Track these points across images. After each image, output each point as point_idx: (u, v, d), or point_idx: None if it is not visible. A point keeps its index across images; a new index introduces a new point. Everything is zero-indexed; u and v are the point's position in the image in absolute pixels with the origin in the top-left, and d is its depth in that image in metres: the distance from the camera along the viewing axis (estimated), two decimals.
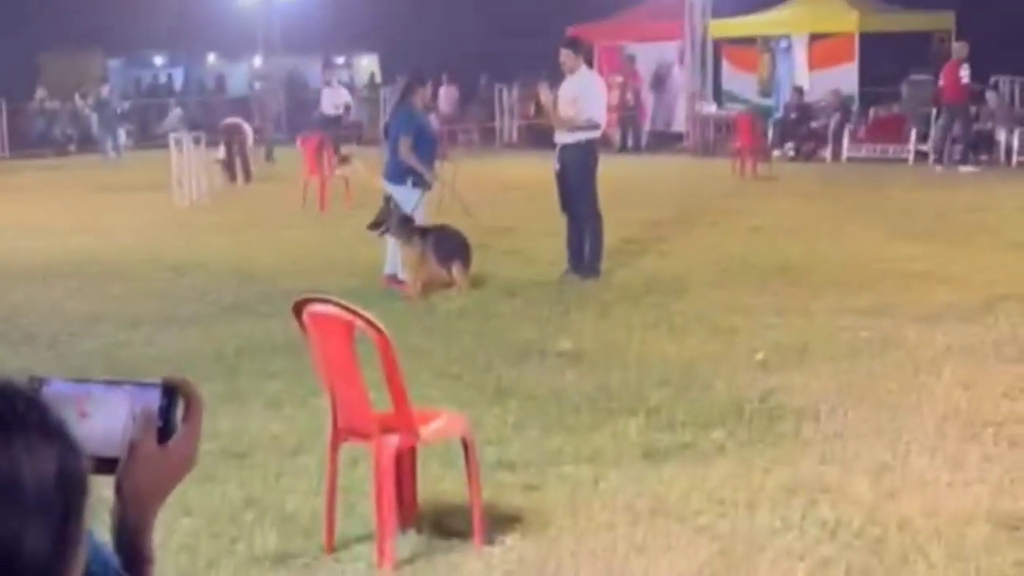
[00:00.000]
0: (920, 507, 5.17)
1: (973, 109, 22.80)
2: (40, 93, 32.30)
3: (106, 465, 1.30)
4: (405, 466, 4.99)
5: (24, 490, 0.91)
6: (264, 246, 13.65)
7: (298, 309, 4.81)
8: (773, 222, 14.68)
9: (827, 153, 24.68)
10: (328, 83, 30.76)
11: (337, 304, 4.76)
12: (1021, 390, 6.99)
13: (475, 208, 10.68)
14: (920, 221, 14.61)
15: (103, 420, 1.32)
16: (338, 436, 4.91)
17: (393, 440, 4.72)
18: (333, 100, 28.68)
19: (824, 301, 9.79)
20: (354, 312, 4.66)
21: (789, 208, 16.11)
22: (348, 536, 4.94)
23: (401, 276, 10.67)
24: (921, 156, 23.56)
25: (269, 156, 23.99)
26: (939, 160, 21.74)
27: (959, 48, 21.65)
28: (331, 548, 4.83)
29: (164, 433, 1.35)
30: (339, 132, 25.15)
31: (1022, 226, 13.96)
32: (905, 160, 23.56)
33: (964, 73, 21.33)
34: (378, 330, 4.61)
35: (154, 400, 1.35)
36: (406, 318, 9.09)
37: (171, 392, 1.36)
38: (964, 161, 21.57)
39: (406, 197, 10.64)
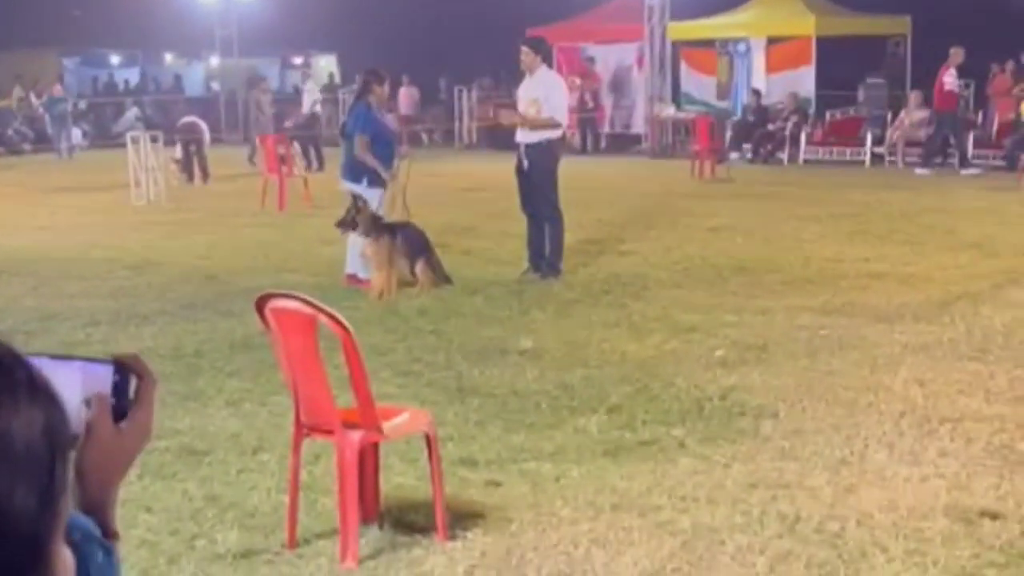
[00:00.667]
0: (878, 502, 5.23)
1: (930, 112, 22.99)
2: None
3: None
4: (368, 462, 4.98)
5: (14, 447, 0.92)
6: (223, 245, 13.58)
7: (260, 304, 4.79)
8: (731, 223, 14.77)
9: (784, 155, 24.85)
10: (303, 83, 30.64)
11: (300, 299, 4.75)
12: (977, 387, 7.08)
13: (434, 209, 10.67)
14: (877, 222, 14.74)
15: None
16: (300, 432, 4.90)
17: (356, 436, 4.71)
18: (311, 99, 28.57)
19: (783, 300, 9.87)
20: (317, 307, 4.66)
21: (747, 209, 16.21)
22: (310, 532, 4.94)
23: (362, 275, 10.66)
24: (877, 159, 23.78)
25: (252, 158, 23.54)
26: (925, 164, 21.58)
27: (953, 54, 21.35)
28: (293, 544, 4.81)
29: (118, 411, 1.35)
30: (316, 132, 25.11)
31: (977, 227, 14.13)
32: (862, 163, 23.76)
33: (948, 79, 21.25)
34: (341, 325, 4.60)
35: (105, 377, 1.35)
36: (367, 317, 9.08)
37: (122, 369, 1.36)
38: (962, 165, 21.53)
39: (363, 196, 10.62)
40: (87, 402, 1.33)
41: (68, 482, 0.90)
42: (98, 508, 1.34)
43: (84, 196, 19.16)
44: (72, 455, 0.97)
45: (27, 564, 0.88)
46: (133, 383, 1.37)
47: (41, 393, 0.92)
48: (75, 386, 1.33)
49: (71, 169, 25.22)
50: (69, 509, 0.90)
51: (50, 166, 26.25)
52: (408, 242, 10.40)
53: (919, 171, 21.24)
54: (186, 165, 21.45)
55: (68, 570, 0.94)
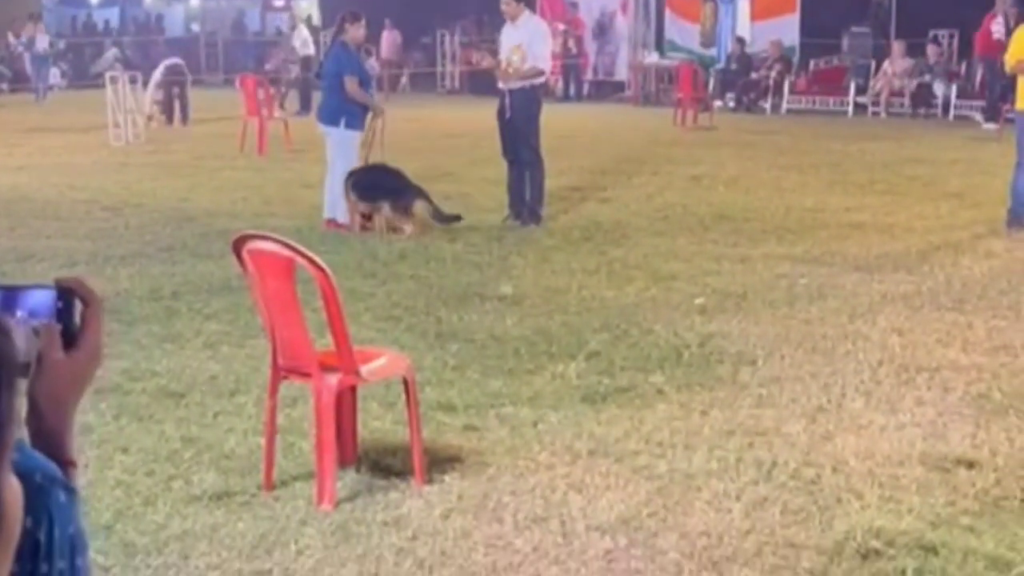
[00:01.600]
0: (854, 449, 5.24)
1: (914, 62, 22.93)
2: None
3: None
4: (345, 405, 4.96)
5: None
6: (202, 187, 13.49)
7: (237, 246, 4.75)
8: (713, 171, 14.75)
9: (767, 104, 24.81)
10: (295, 27, 30.28)
11: (277, 241, 4.71)
12: (955, 337, 7.10)
13: (415, 154, 10.64)
14: (858, 172, 14.74)
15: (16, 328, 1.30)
16: (277, 375, 4.87)
17: (333, 379, 4.69)
18: (302, 42, 28.24)
19: (763, 249, 9.87)
20: (294, 249, 4.62)
21: (729, 158, 16.18)
22: (287, 475, 4.92)
23: (341, 219, 10.61)
24: (860, 108, 23.74)
25: (282, 104, 22.95)
26: (990, 119, 20.43)
27: (999, 1, 20.71)
28: (270, 487, 4.80)
29: (67, 337, 1.33)
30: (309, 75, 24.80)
31: (958, 178, 14.15)
32: (845, 112, 23.73)
33: (996, 27, 20.52)
34: (318, 267, 4.57)
35: (49, 303, 1.33)
36: (346, 261, 9.04)
37: (66, 294, 1.34)
38: (988, 118, 20.67)
39: (340, 139, 10.56)
40: (35, 331, 1.30)
41: (14, 412, 0.87)
42: (55, 437, 1.32)
43: (62, 137, 18.99)
44: (21, 386, 0.94)
45: None
46: (78, 307, 1.34)
47: None
48: (20, 315, 1.31)
49: (49, 110, 24.98)
50: (15, 438, 0.88)
51: (28, 106, 26.01)
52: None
53: (986, 126, 20.25)
54: (167, 107, 21.26)
55: (16, 500, 0.92)
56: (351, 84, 10.50)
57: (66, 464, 1.33)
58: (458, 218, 10.75)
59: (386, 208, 10.45)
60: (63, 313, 1.33)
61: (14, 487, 0.91)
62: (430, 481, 4.86)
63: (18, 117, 23.04)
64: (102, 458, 5.08)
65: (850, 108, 23.89)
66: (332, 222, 10.66)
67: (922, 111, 23.13)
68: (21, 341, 1.29)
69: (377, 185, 10.52)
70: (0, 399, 0.87)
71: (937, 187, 13.41)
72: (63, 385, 1.32)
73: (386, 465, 5.04)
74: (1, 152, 16.94)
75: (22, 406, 1.23)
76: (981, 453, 5.21)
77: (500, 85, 11.10)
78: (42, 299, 1.33)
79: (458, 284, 8.54)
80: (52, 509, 1.18)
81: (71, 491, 1.23)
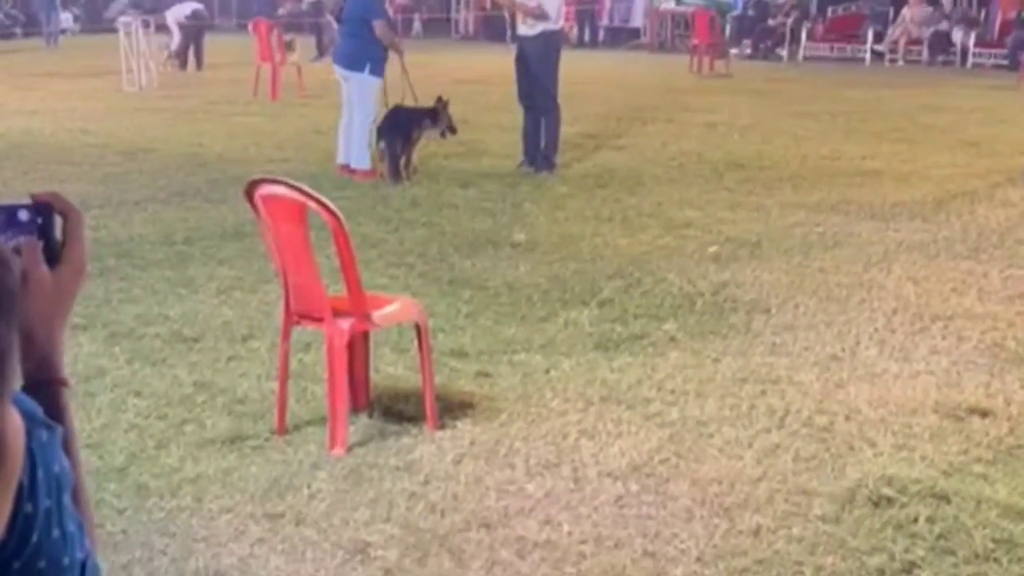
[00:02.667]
0: (868, 397, 5.23)
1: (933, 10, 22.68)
2: None
3: None
4: (358, 351, 4.96)
5: None
6: (215, 133, 13.45)
7: (250, 191, 4.73)
8: (729, 119, 14.65)
9: (784, 51, 24.60)
10: None
11: (290, 185, 4.69)
12: (970, 285, 7.07)
13: (428, 101, 10.56)
14: (875, 120, 14.63)
15: None
16: (290, 320, 4.87)
17: (346, 324, 4.69)
18: None
19: (778, 197, 9.81)
20: (307, 194, 4.60)
21: (745, 105, 16.07)
22: (300, 420, 4.93)
23: (354, 165, 10.56)
24: (877, 56, 23.54)
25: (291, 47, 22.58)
26: None
27: None
28: (282, 431, 4.81)
29: (48, 253, 1.31)
30: (322, 20, 24.62)
31: (975, 126, 14.04)
32: (862, 60, 23.52)
33: None
34: (331, 212, 4.55)
35: (29, 220, 1.31)
36: (358, 207, 9.02)
37: (44, 209, 1.32)
38: None
39: (361, 85, 10.47)
40: (16, 250, 1.28)
41: (13, 344, 0.85)
42: (45, 356, 1.31)
43: (75, 82, 18.93)
44: (12, 313, 0.92)
45: None
46: (58, 222, 1.32)
47: None
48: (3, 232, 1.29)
49: (62, 55, 24.90)
50: (16, 372, 0.86)
51: (41, 51, 25.92)
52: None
53: None
54: (181, 52, 21.18)
55: (17, 434, 0.90)
56: (381, 28, 10.38)
57: (57, 383, 1.31)
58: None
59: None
60: (43, 229, 1.31)
61: (15, 421, 0.89)
62: (442, 427, 4.86)
63: (32, 61, 22.97)
64: (115, 402, 5.09)
65: (867, 56, 23.68)
66: (346, 168, 10.61)
67: (940, 59, 22.93)
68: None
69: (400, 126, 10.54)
70: (0, 330, 0.85)
71: (954, 135, 13.31)
72: (50, 302, 1.30)
73: (398, 411, 5.05)
74: (14, 96, 16.90)
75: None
76: (995, 402, 5.19)
77: (518, 31, 11.01)
78: (19, 217, 1.31)
79: (471, 231, 8.52)
80: (34, 449, 1.16)
81: (52, 429, 1.21)
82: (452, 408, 5.06)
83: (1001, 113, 15.21)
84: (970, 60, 22.53)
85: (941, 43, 22.96)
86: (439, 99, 10.65)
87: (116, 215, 8.93)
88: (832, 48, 24.54)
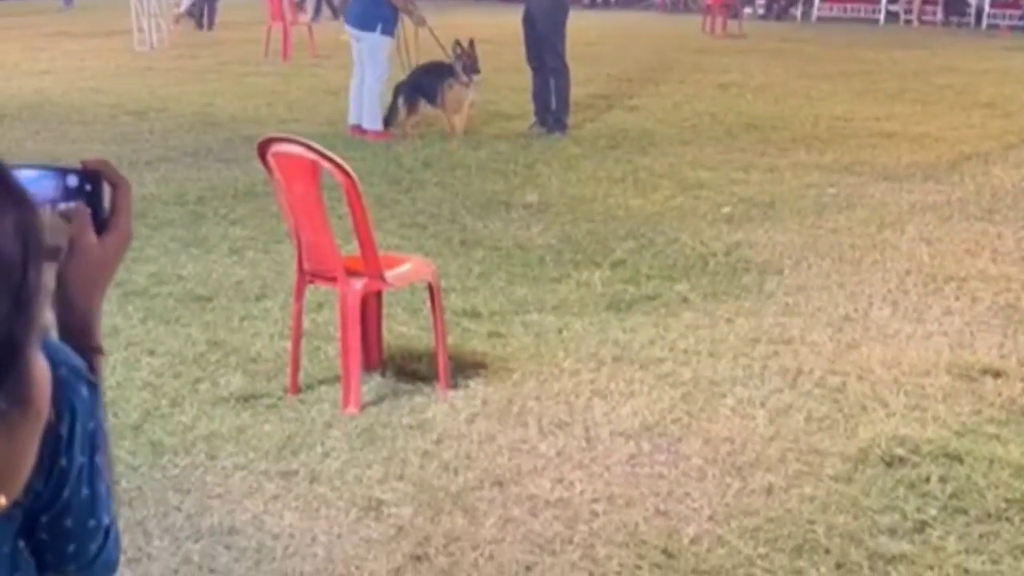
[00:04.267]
0: (880, 358, 5.23)
1: None
2: None
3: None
4: (371, 310, 4.97)
5: None
6: (226, 93, 13.42)
7: (263, 149, 4.72)
8: (742, 80, 14.57)
9: (798, 11, 24.44)
10: None
11: (302, 144, 4.68)
12: (983, 247, 7.04)
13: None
14: (889, 81, 14.55)
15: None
16: (303, 278, 4.87)
17: (359, 283, 4.69)
18: None
19: (791, 158, 9.78)
20: (319, 153, 4.59)
21: (758, 66, 15.97)
22: (313, 379, 4.95)
23: (366, 125, 10.54)
24: (892, 16, 23.37)
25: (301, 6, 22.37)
26: None
27: None
28: (296, 390, 4.83)
29: (96, 220, 1.31)
30: None
31: (990, 87, 13.95)
32: (876, 20, 23.36)
33: None
34: (344, 171, 4.54)
35: (78, 187, 1.31)
36: (371, 167, 9.00)
37: (93, 177, 1.31)
38: None
39: (373, 45, 10.43)
40: (64, 215, 1.28)
41: (43, 287, 0.86)
42: (84, 322, 1.31)
43: (86, 41, 18.88)
44: (51, 266, 0.93)
45: (3, 365, 0.85)
46: (107, 191, 1.32)
47: (13, 195, 0.88)
48: (49, 197, 1.29)
49: (73, 14, 24.82)
50: (44, 316, 0.87)
51: (52, 11, 25.84)
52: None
53: None
54: (197, 10, 21.12)
55: (45, 381, 0.90)
56: None
57: (94, 350, 1.31)
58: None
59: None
60: (91, 196, 1.31)
61: (43, 368, 0.90)
62: (455, 386, 4.87)
63: (43, 21, 22.90)
64: (129, 360, 5.11)
65: (882, 16, 23.52)
66: (358, 128, 10.59)
67: (954, 19, 22.76)
68: (47, 224, 1.28)
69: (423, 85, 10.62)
70: (28, 272, 0.85)
71: (968, 96, 13.23)
72: (94, 269, 1.31)
73: (411, 370, 5.06)
74: (26, 56, 16.86)
75: (50, 289, 1.22)
76: (1008, 363, 5.19)
77: None
78: (69, 182, 1.31)
79: (483, 192, 8.51)
80: (75, 403, 1.17)
81: (94, 386, 1.22)
82: (465, 368, 5.07)
83: (1016, 74, 15.11)
84: (985, 21, 22.35)
85: (956, 3, 22.79)
86: (455, 44, 10.64)
87: (128, 175, 8.69)
88: (846, 8, 24.37)
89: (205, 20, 21.05)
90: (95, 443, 1.21)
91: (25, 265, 0.84)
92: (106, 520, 1.27)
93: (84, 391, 1.19)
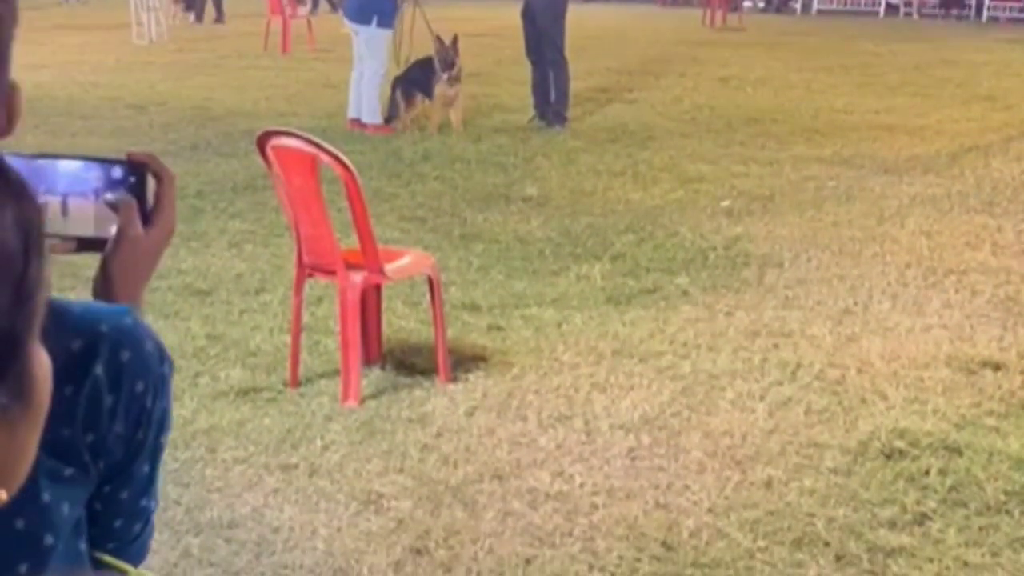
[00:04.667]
0: (880, 351, 5.23)
1: None
2: None
3: (88, 244, 1.30)
4: (370, 303, 4.97)
5: None
6: (225, 86, 13.41)
7: (262, 143, 4.72)
8: (741, 73, 14.56)
9: (798, 4, 24.41)
10: None
11: (301, 137, 4.67)
12: (983, 239, 7.04)
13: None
14: (889, 74, 14.54)
15: (77, 199, 1.30)
16: (302, 272, 4.87)
17: (358, 277, 4.69)
18: None
19: (791, 151, 9.77)
20: (319, 146, 4.59)
21: (758, 59, 15.97)
22: (312, 372, 4.95)
23: (365, 119, 10.54)
24: (892, 9, 23.35)
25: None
26: None
27: None
28: (295, 383, 4.83)
29: (140, 212, 1.32)
30: None
31: (990, 80, 13.94)
32: (876, 13, 23.34)
33: None
34: (343, 164, 4.54)
35: (122, 178, 1.31)
36: (370, 161, 9.00)
37: (138, 169, 1.32)
38: None
39: (370, 37, 10.43)
40: (110, 205, 1.29)
41: (44, 279, 0.85)
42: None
43: (85, 35, 18.87)
44: (43, 248, 0.92)
45: (4, 359, 0.85)
46: (151, 184, 1.33)
47: (13, 188, 0.87)
48: (92, 189, 1.30)
49: (72, 8, 24.80)
50: (43, 308, 0.86)
51: (50, 4, 25.81)
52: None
53: None
54: (193, 3, 21.13)
55: (46, 375, 0.90)
56: None
57: None
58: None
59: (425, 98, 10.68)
60: (135, 189, 1.31)
61: (44, 361, 0.89)
62: (454, 379, 4.87)
63: (40, 14, 22.88)
64: None
65: (881, 9, 23.49)
66: (357, 122, 10.59)
67: (954, 12, 22.73)
68: (90, 211, 1.29)
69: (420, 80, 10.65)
70: (29, 265, 0.85)
71: (968, 89, 13.22)
72: (140, 261, 1.32)
73: (411, 363, 5.06)
74: (24, 50, 16.70)
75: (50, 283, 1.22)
76: (1008, 355, 5.19)
77: None
78: (114, 174, 1.31)
79: (483, 185, 8.50)
80: (159, 381, 1.19)
81: (172, 367, 1.23)
82: (464, 361, 5.07)
83: (1016, 67, 15.10)
84: (985, 13, 22.33)
85: None
86: (436, 40, 10.63)
87: None
88: (846, 1, 24.34)
89: (212, 12, 21.04)
90: (164, 422, 1.23)
91: (27, 258, 0.84)
92: (153, 504, 1.28)
93: (166, 369, 1.21)
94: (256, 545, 3.64)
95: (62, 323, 0.74)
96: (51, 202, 1.28)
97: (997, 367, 5.04)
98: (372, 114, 10.52)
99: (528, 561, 3.56)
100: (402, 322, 5.55)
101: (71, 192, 1.30)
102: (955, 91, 13.15)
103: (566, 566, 3.53)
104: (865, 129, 10.78)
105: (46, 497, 1.11)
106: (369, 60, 10.45)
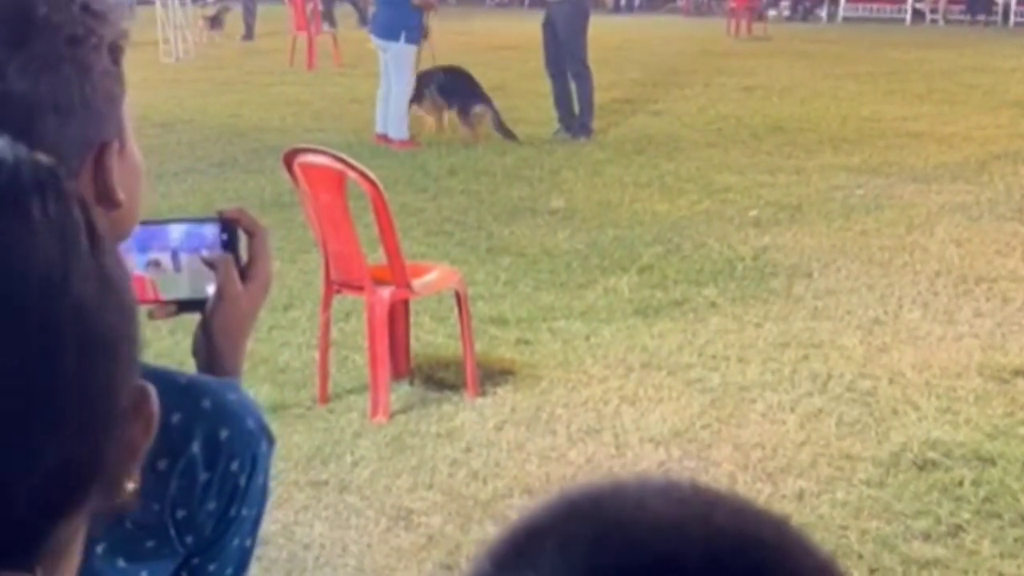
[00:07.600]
0: (911, 360, 5.19)
1: None
2: None
3: (190, 306, 1.33)
4: (398, 318, 4.97)
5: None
6: (252, 103, 13.48)
7: (289, 160, 4.74)
8: (767, 82, 14.53)
9: (823, 12, 24.36)
10: None
11: (329, 155, 4.69)
12: (1013, 247, 6.99)
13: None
14: (916, 81, 14.47)
15: (187, 262, 1.31)
16: (330, 288, 4.88)
17: (386, 292, 4.70)
18: None
19: (818, 160, 9.73)
20: (345, 163, 4.60)
21: (784, 68, 15.93)
22: (341, 388, 4.96)
23: (392, 135, 10.56)
24: (918, 16, 23.26)
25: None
26: None
27: None
28: (324, 399, 4.84)
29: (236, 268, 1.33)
30: None
31: (1018, 86, 13.86)
32: (902, 20, 23.25)
33: None
34: (370, 181, 4.55)
35: (214, 236, 1.32)
36: (396, 176, 9.01)
37: (229, 225, 1.32)
38: None
39: (399, 54, 10.45)
40: (209, 263, 1.30)
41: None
42: (229, 370, 1.32)
43: None
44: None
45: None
46: (242, 239, 1.33)
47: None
48: (191, 244, 1.31)
49: None
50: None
51: None
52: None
53: None
54: (216, 21, 21.29)
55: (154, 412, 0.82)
56: None
57: None
58: (515, 137, 10.75)
59: (454, 110, 10.80)
60: (227, 245, 1.32)
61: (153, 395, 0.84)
62: (483, 394, 4.87)
63: None
64: None
65: (908, 16, 23.41)
66: (383, 137, 10.61)
67: (981, 18, 22.62)
68: (187, 276, 1.31)
69: (451, 87, 10.79)
70: (134, 345, 0.79)
71: (996, 96, 13.14)
72: (240, 318, 1.32)
73: (439, 378, 5.06)
74: None
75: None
76: None
77: None
78: (205, 233, 1.32)
79: (509, 198, 8.50)
80: (258, 456, 1.19)
81: (272, 442, 1.23)
82: (493, 375, 5.07)
83: None
84: (1012, 19, 22.22)
85: (983, 2, 22.66)
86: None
87: (156, 186, 8.96)
88: (872, 8, 24.28)
89: (242, 31, 21.23)
90: (263, 496, 1.23)
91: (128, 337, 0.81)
92: (242, 573, 1.29)
93: (264, 446, 1.20)
94: (287, 562, 3.64)
95: (164, 395, 0.73)
96: (161, 259, 1.31)
97: None
98: (399, 129, 10.54)
99: None
100: (430, 337, 5.55)
101: (163, 254, 1.31)
102: (983, 98, 13.07)
103: None
104: (892, 137, 10.73)
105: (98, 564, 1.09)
106: (396, 76, 10.48)
